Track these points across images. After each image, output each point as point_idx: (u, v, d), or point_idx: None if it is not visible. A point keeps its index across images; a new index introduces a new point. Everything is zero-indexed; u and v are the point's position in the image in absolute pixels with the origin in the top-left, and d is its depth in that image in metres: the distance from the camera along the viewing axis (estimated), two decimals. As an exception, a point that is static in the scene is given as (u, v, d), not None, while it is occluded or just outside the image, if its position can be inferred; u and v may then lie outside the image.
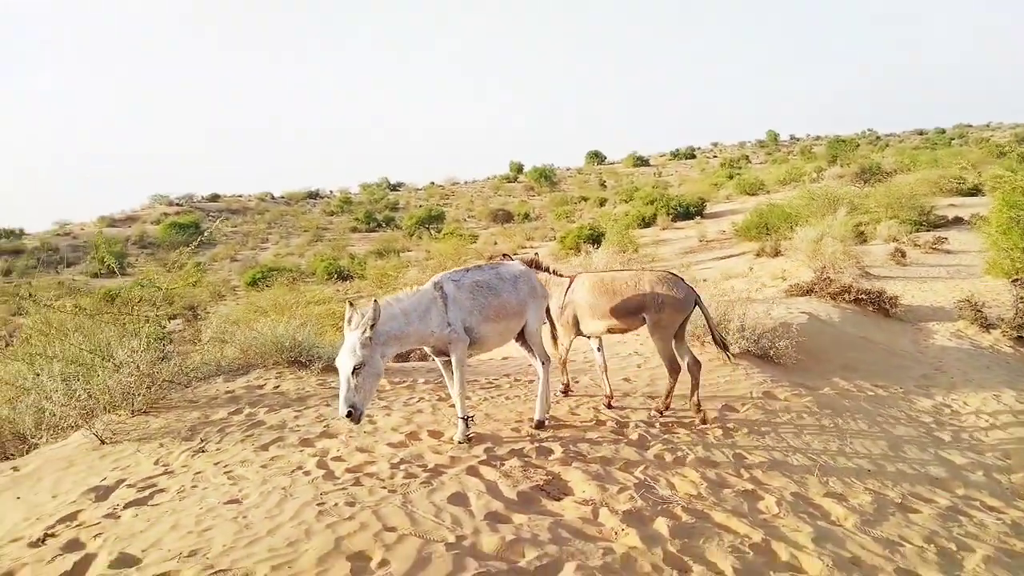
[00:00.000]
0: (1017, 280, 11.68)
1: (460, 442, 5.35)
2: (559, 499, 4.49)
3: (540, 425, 5.79)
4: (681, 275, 6.83)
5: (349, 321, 4.87)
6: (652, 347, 6.83)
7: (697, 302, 6.40)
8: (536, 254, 7.39)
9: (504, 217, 46.26)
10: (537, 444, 5.38)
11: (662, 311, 6.26)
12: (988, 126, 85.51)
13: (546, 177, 62.62)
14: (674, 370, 6.29)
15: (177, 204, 52.94)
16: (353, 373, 4.65)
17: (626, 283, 6.52)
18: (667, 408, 6.34)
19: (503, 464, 4.94)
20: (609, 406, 6.57)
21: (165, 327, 9.03)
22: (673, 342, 6.39)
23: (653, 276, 6.51)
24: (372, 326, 4.78)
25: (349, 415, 4.59)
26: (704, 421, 6.14)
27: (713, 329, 6.60)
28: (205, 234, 11.85)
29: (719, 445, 5.62)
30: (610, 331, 6.69)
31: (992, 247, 13.66)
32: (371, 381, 4.81)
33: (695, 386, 6.29)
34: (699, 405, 6.23)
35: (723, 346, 6.60)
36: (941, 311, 12.13)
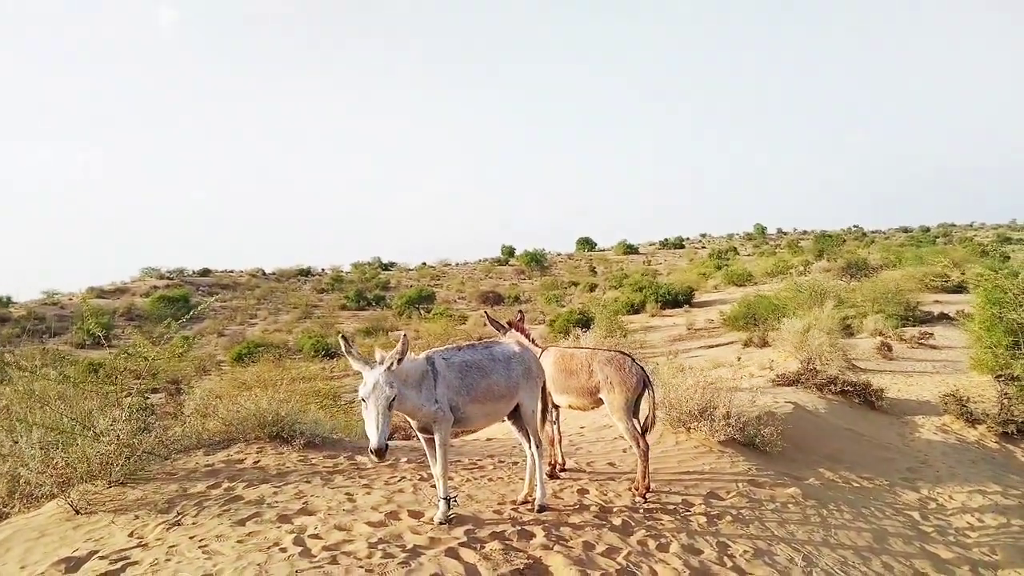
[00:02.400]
0: (1001, 376, 11.76)
1: (440, 523, 5.27)
2: (539, 583, 4.41)
3: (543, 509, 5.72)
4: (630, 353, 6.92)
5: (359, 355, 4.87)
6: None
7: (646, 382, 6.45)
8: (520, 312, 7.40)
9: (494, 299, 46.43)
10: (519, 527, 5.31)
11: (613, 391, 6.35)
12: (971, 226, 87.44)
13: (537, 261, 63.19)
14: (640, 447, 6.28)
15: (168, 277, 52.94)
16: (389, 408, 4.65)
17: (580, 362, 6.64)
18: (647, 490, 6.29)
19: (483, 546, 4.87)
20: (555, 476, 6.73)
21: (148, 398, 8.95)
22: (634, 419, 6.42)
23: (603, 356, 6.62)
24: (400, 360, 4.80)
25: (383, 449, 4.57)
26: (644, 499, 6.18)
27: (652, 411, 6.55)
28: (196, 309, 11.82)
29: (703, 533, 5.56)
30: (571, 407, 6.77)
31: (976, 343, 13.78)
32: (391, 418, 4.80)
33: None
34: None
35: (645, 429, 6.50)
36: (927, 405, 12.15)
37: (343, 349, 4.92)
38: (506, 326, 6.88)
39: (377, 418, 4.62)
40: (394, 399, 4.68)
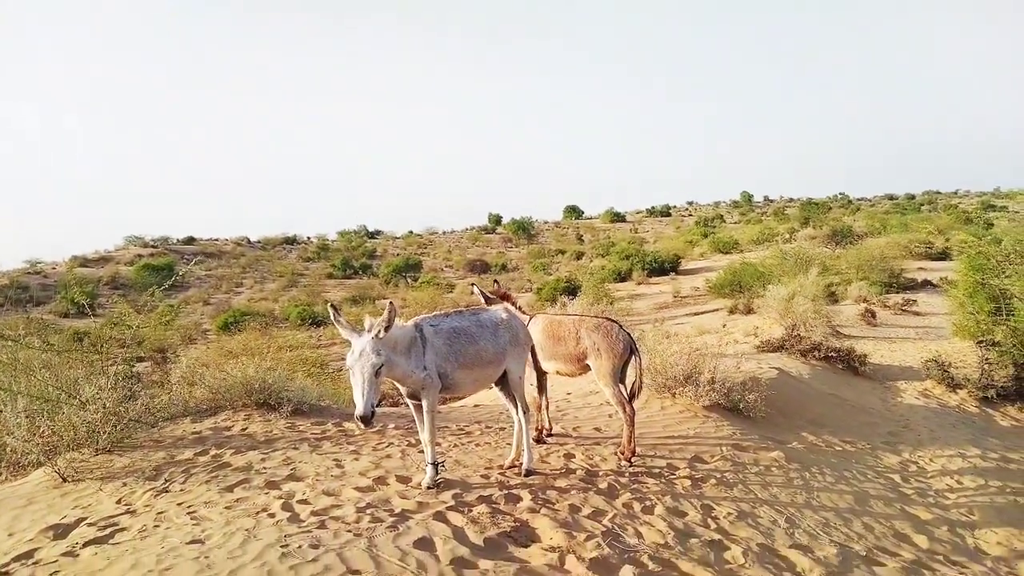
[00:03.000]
0: (982, 342, 11.90)
1: (428, 487, 5.31)
2: (526, 546, 4.47)
3: (530, 473, 5.78)
4: (617, 319, 6.98)
5: (348, 323, 4.88)
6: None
7: (633, 348, 6.52)
8: (496, 282, 7.39)
9: (481, 267, 46.38)
10: (506, 491, 5.35)
11: (600, 357, 6.41)
12: (956, 193, 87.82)
13: (524, 229, 63.02)
14: (629, 415, 6.35)
15: (152, 246, 52.44)
16: (376, 375, 4.66)
17: (568, 329, 6.69)
18: (633, 454, 6.36)
19: (471, 510, 4.91)
20: (541, 440, 6.82)
21: (134, 367, 8.92)
22: (620, 385, 6.48)
23: (590, 323, 6.68)
24: (387, 327, 4.80)
25: (371, 416, 4.59)
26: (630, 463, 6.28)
27: (640, 376, 6.65)
28: (179, 275, 11.76)
29: (687, 495, 5.63)
30: (558, 373, 6.85)
31: (959, 310, 13.89)
32: (379, 386, 4.82)
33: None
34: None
35: (632, 395, 6.60)
36: (909, 371, 12.28)
37: (331, 317, 4.92)
38: (495, 297, 6.89)
39: (363, 385, 4.63)
40: (381, 366, 4.68)
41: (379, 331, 4.77)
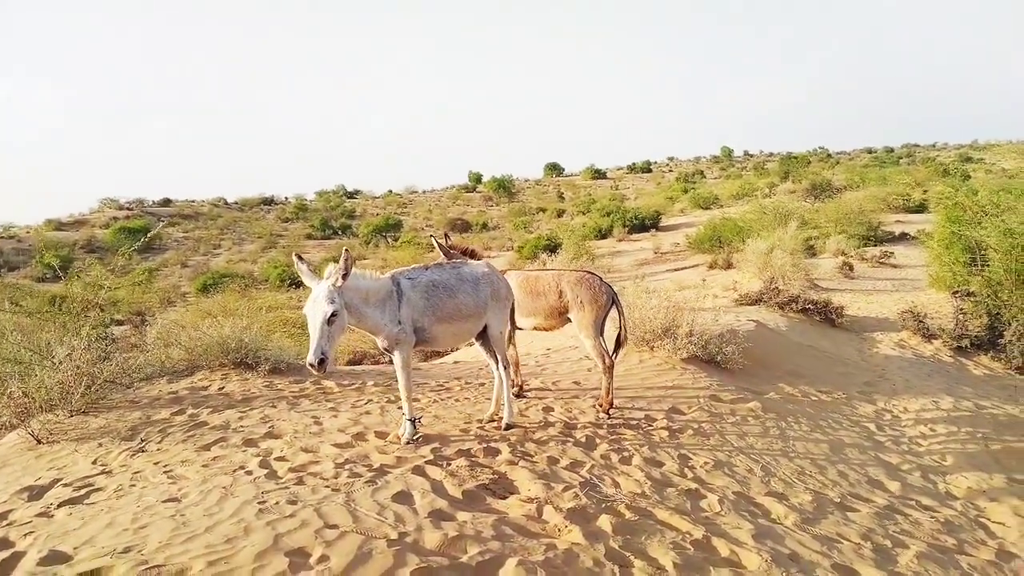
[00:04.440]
0: (957, 292, 12.04)
1: (407, 443, 5.31)
2: (504, 498, 4.49)
3: (510, 427, 5.80)
4: (597, 272, 7.01)
5: (312, 271, 4.85)
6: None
7: (614, 300, 6.59)
8: (446, 234, 7.30)
9: (462, 226, 46.15)
10: (484, 444, 5.37)
11: (583, 309, 6.47)
12: (934, 146, 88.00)
13: (504, 188, 62.61)
14: (607, 367, 6.40)
15: (127, 208, 51.69)
16: (328, 322, 4.63)
17: (548, 284, 6.71)
18: (611, 406, 6.41)
19: (450, 464, 4.92)
20: (521, 395, 6.92)
21: (108, 328, 8.82)
22: (600, 338, 6.52)
23: (572, 276, 6.71)
24: (345, 275, 4.76)
25: (321, 363, 4.55)
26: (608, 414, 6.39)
27: (624, 326, 6.74)
28: (148, 237, 11.62)
29: (664, 446, 5.68)
30: (537, 328, 6.87)
31: (935, 261, 14.04)
32: (338, 334, 4.79)
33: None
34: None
35: (619, 344, 6.73)
36: (886, 322, 12.41)
37: (296, 264, 4.89)
38: (455, 252, 6.71)
39: (315, 331, 4.62)
40: (334, 313, 4.65)
41: (336, 279, 4.74)
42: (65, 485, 4.73)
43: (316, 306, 4.67)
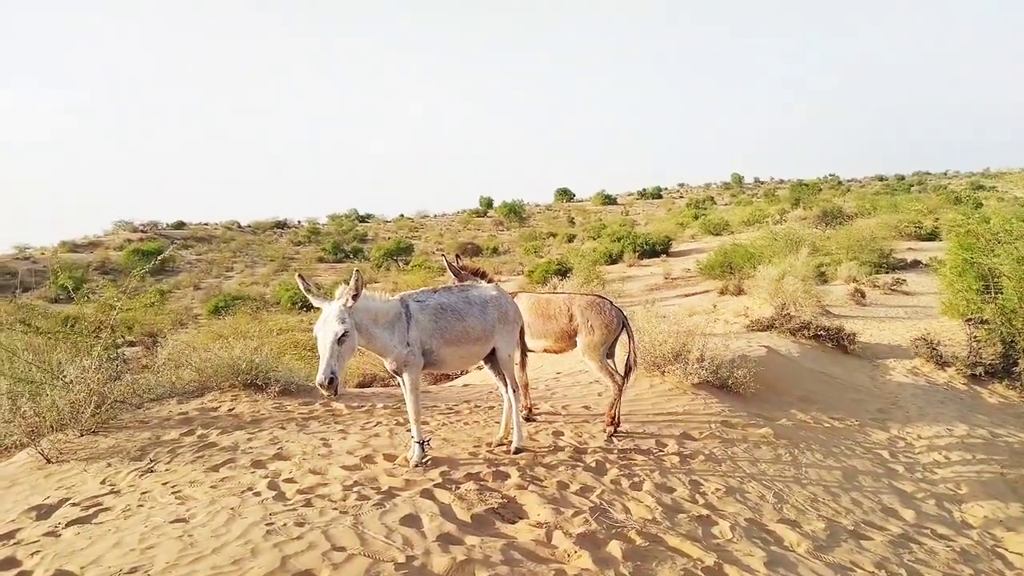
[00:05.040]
0: (971, 320, 11.94)
1: (416, 465, 5.29)
2: (513, 522, 4.45)
3: (519, 451, 5.77)
4: (609, 297, 7.04)
5: (316, 291, 4.88)
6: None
7: (624, 324, 6.61)
8: (457, 256, 7.30)
9: (473, 251, 46.22)
10: (494, 468, 5.33)
11: (593, 333, 6.53)
12: (945, 174, 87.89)
13: (515, 212, 62.78)
14: (615, 382, 6.46)
15: (141, 231, 52.12)
16: (338, 341, 4.62)
17: (559, 307, 6.75)
18: (617, 424, 6.44)
19: (458, 487, 4.89)
20: (531, 418, 6.89)
21: (120, 347, 8.86)
22: (608, 360, 6.63)
23: (583, 301, 6.76)
24: (355, 296, 4.77)
25: (331, 382, 4.53)
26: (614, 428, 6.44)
27: (634, 351, 6.75)
28: (164, 254, 11.70)
29: (676, 471, 5.63)
30: (546, 351, 6.89)
31: (948, 289, 13.93)
32: (348, 354, 4.79)
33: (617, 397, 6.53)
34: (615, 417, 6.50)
35: (629, 369, 6.72)
36: (898, 349, 12.31)
37: (300, 286, 4.88)
38: (466, 272, 6.70)
39: (326, 351, 4.61)
40: (345, 334, 4.64)
41: (347, 299, 4.74)
42: (73, 504, 4.73)
43: (327, 326, 4.66)
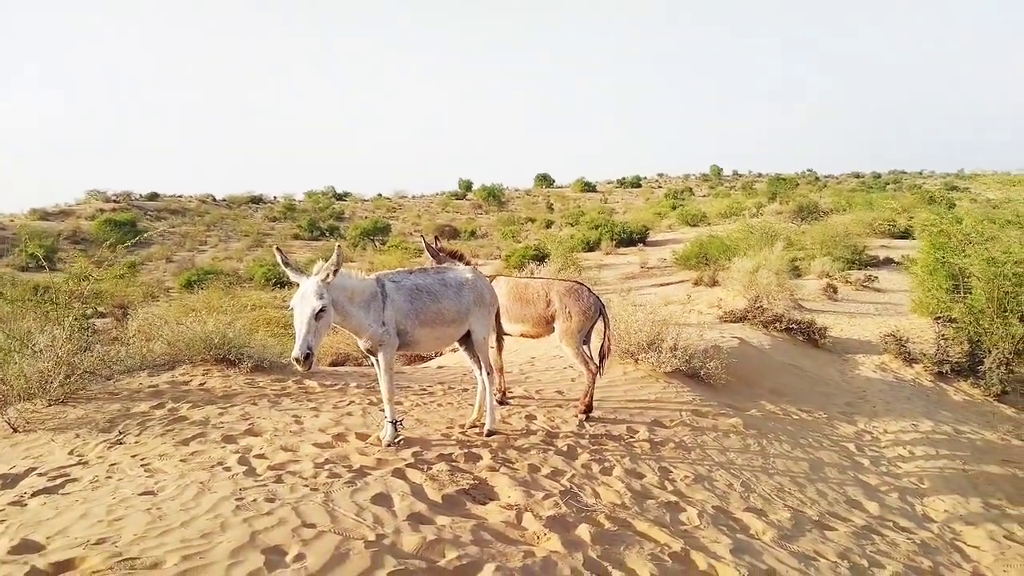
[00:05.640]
0: (940, 318, 12.14)
1: (388, 445, 5.29)
2: (484, 503, 4.47)
3: (492, 433, 5.79)
4: (586, 284, 7.07)
5: (294, 266, 4.84)
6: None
7: (601, 311, 6.69)
8: (436, 238, 7.36)
9: (451, 233, 46.08)
10: (466, 450, 5.35)
11: (571, 319, 6.57)
12: (921, 174, 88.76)
13: (494, 196, 62.59)
14: (589, 370, 6.54)
15: (114, 201, 51.26)
16: (315, 317, 4.59)
17: (537, 292, 6.76)
18: (589, 409, 6.51)
19: (430, 468, 4.90)
20: (504, 402, 6.90)
21: (90, 319, 8.75)
22: (584, 346, 6.68)
23: (561, 287, 6.78)
24: (335, 271, 4.75)
25: (307, 358, 4.50)
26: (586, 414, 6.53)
27: (609, 338, 6.81)
28: (144, 235, 11.57)
29: (646, 458, 5.68)
30: (523, 335, 6.92)
31: (919, 287, 14.14)
32: (324, 330, 4.76)
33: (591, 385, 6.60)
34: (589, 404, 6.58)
35: (603, 356, 6.78)
36: (868, 344, 12.49)
37: (278, 260, 4.84)
38: (444, 254, 6.73)
39: (302, 326, 4.58)
40: (322, 309, 4.62)
41: (327, 275, 4.72)
42: (40, 474, 4.68)
43: (304, 301, 4.63)
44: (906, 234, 28.55)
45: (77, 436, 5.46)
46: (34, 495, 4.30)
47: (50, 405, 6.16)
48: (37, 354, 6.22)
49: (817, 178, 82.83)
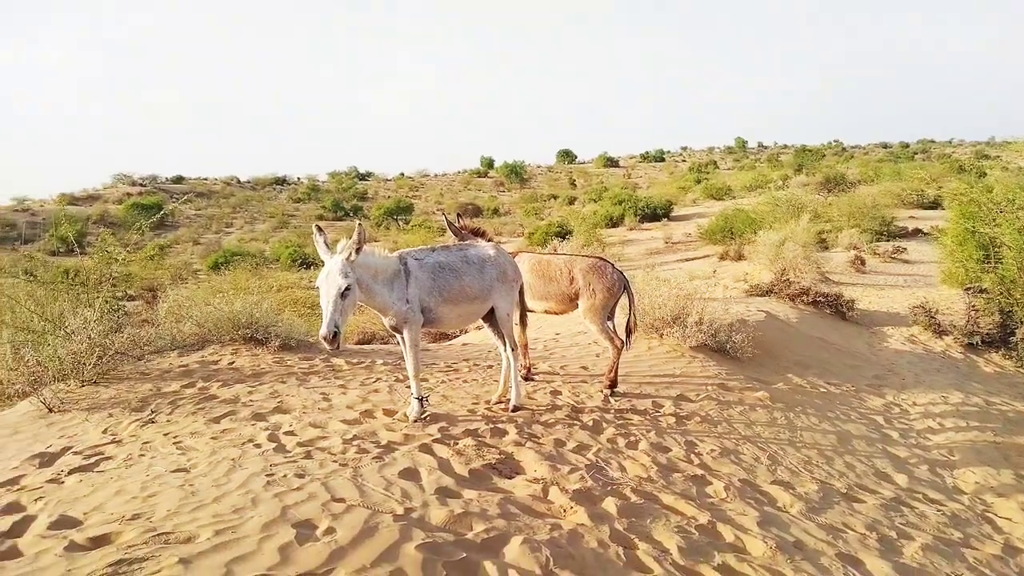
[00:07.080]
0: (970, 289, 11.97)
1: (414, 421, 5.33)
2: (510, 477, 4.50)
3: (517, 409, 5.82)
4: (609, 260, 7.04)
5: (327, 245, 4.86)
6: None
7: (626, 287, 6.67)
8: (459, 215, 7.36)
9: (473, 211, 46.04)
10: (492, 425, 5.38)
11: (595, 296, 6.57)
12: (950, 142, 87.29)
13: (516, 173, 62.38)
14: (615, 345, 6.53)
15: (141, 184, 51.94)
16: (341, 296, 4.64)
17: (560, 269, 6.75)
18: (614, 384, 6.51)
19: (457, 443, 4.94)
20: (529, 378, 6.91)
21: (121, 301, 8.88)
22: (608, 322, 6.69)
23: (584, 264, 6.76)
24: (358, 249, 4.78)
25: (334, 336, 4.55)
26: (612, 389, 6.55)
27: (634, 313, 6.81)
28: (166, 210, 11.69)
29: (671, 432, 5.68)
30: (547, 312, 6.92)
31: (948, 258, 13.94)
32: (350, 309, 4.79)
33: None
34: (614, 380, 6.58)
35: (629, 332, 6.78)
36: (896, 317, 12.35)
37: (318, 239, 4.88)
38: (466, 231, 6.74)
39: (328, 304, 4.63)
40: (348, 288, 4.65)
41: (350, 253, 4.75)
42: (75, 453, 4.77)
43: (330, 279, 4.66)
44: (935, 204, 28.07)
45: (110, 415, 5.57)
46: (71, 473, 4.40)
47: (83, 385, 6.28)
48: (70, 336, 6.33)
49: (844, 149, 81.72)
